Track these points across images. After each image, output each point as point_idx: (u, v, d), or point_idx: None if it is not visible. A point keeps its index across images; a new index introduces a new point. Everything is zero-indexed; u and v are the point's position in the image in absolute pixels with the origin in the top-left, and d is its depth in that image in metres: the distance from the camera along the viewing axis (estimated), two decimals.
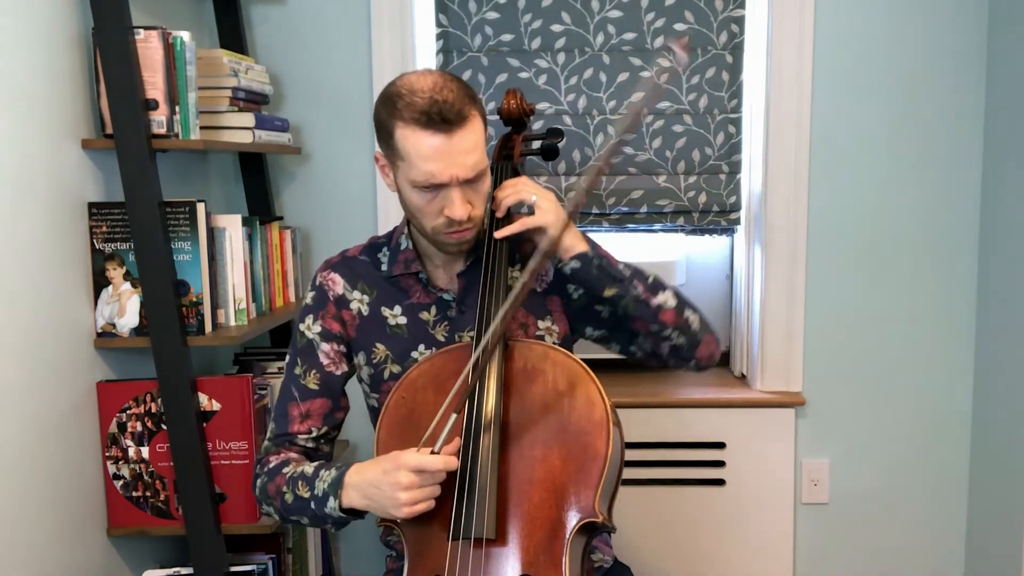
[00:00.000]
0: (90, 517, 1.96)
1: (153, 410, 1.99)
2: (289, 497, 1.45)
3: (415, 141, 1.37)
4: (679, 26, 2.52)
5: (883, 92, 2.50)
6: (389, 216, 2.53)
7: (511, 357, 1.43)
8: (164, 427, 1.97)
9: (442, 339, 1.55)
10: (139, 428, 1.99)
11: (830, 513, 2.64)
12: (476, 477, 1.34)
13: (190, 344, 1.93)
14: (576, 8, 2.53)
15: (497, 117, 1.75)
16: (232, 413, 1.99)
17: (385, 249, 1.59)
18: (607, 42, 2.54)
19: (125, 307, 1.96)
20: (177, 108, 1.93)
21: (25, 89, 1.74)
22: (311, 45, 2.54)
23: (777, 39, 2.46)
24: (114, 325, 1.96)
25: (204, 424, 1.97)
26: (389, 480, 1.31)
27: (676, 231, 2.65)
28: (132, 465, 2.00)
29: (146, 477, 2.00)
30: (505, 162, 1.65)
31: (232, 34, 2.45)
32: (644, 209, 2.58)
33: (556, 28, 2.54)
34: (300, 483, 1.44)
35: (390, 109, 1.39)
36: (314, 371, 1.54)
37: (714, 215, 2.59)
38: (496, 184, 1.56)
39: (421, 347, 1.55)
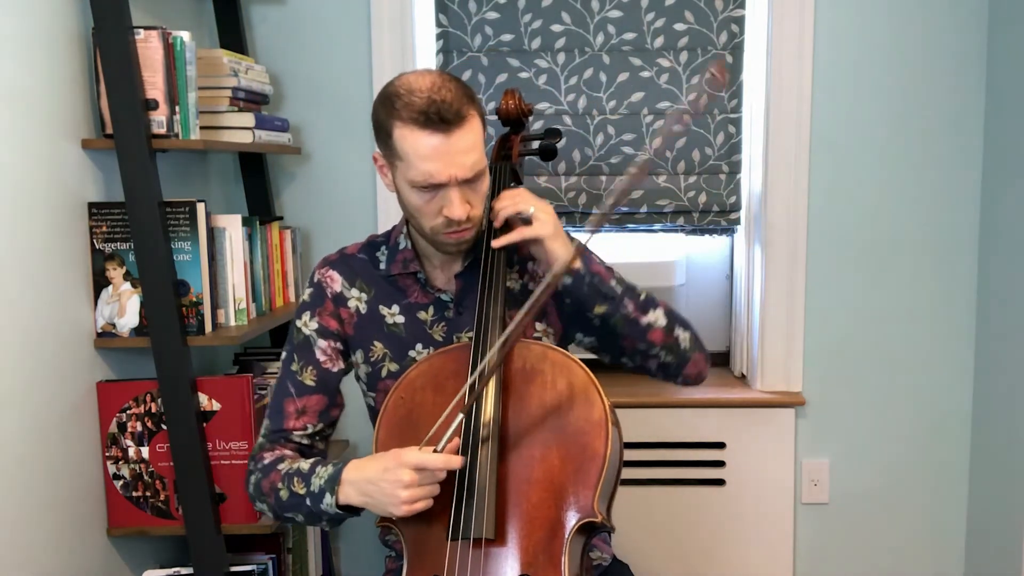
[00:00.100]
0: (90, 517, 1.96)
1: (153, 410, 1.99)
2: (284, 494, 1.44)
3: (413, 141, 1.37)
4: (679, 26, 2.52)
5: (883, 92, 2.50)
6: (389, 216, 2.53)
7: (510, 357, 1.43)
8: (164, 427, 1.97)
9: (440, 339, 1.55)
10: (139, 428, 1.99)
11: (830, 513, 2.64)
12: (475, 477, 1.34)
13: (190, 344, 1.93)
14: (576, 8, 2.53)
15: (495, 117, 1.75)
16: (232, 413, 1.99)
17: (384, 248, 1.59)
18: (607, 42, 2.54)
19: (125, 307, 1.96)
20: (177, 108, 1.93)
21: (25, 89, 1.74)
22: (311, 45, 2.54)
23: (777, 39, 2.47)
24: (114, 325, 1.96)
25: (204, 424, 1.97)
26: (389, 478, 1.31)
27: (676, 231, 2.65)
28: (132, 465, 2.00)
29: (146, 477, 2.00)
30: (503, 162, 1.65)
31: (232, 34, 2.45)
32: (644, 209, 2.58)
33: (556, 28, 2.54)
34: (296, 479, 1.43)
35: (388, 109, 1.39)
36: (311, 367, 1.54)
37: (714, 215, 2.59)
38: (494, 184, 1.56)
39: (419, 346, 1.55)
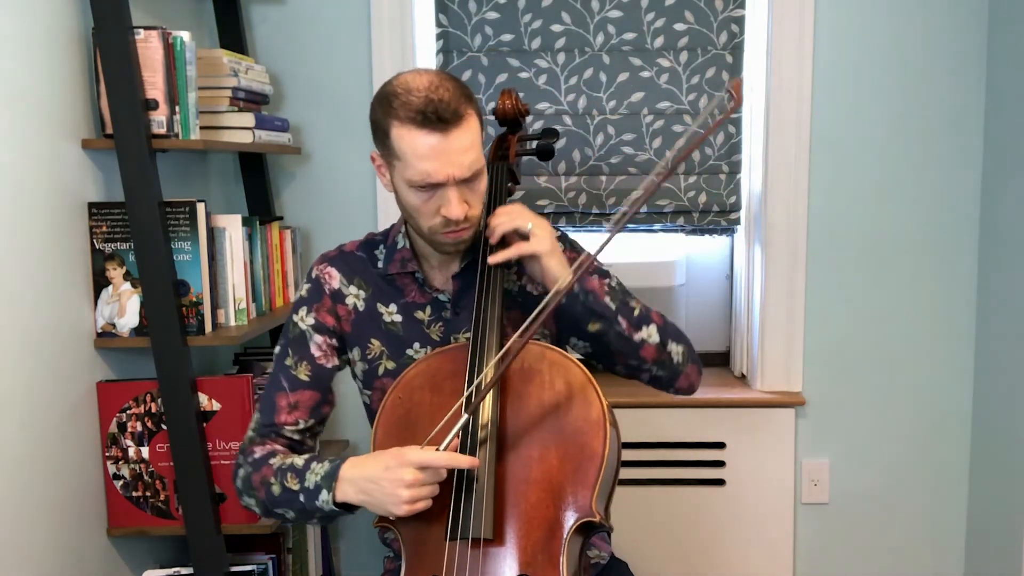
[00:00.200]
0: (90, 517, 1.96)
1: (153, 410, 1.99)
2: (276, 489, 1.43)
3: (411, 140, 1.36)
4: (679, 26, 2.52)
5: (883, 92, 2.50)
6: (389, 216, 2.53)
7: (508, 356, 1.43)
8: (164, 427, 1.97)
9: (437, 339, 1.55)
10: (139, 428, 1.99)
11: (830, 513, 2.64)
12: (473, 477, 1.34)
13: (190, 344, 1.93)
14: (576, 8, 2.53)
15: (492, 117, 1.75)
16: (232, 413, 1.99)
17: (382, 247, 1.59)
18: (607, 42, 2.54)
19: (125, 307, 1.96)
20: (177, 108, 1.93)
21: (25, 89, 1.74)
22: (311, 45, 2.54)
23: (777, 39, 2.47)
24: (114, 325, 1.96)
25: (204, 424, 1.97)
26: (391, 476, 1.30)
27: (676, 231, 2.65)
28: (132, 465, 2.00)
29: (146, 477, 2.00)
30: (501, 162, 1.65)
31: (232, 34, 2.45)
32: (644, 209, 2.58)
33: (556, 28, 2.54)
34: (289, 475, 1.42)
35: (386, 108, 1.39)
36: (305, 362, 1.53)
37: (714, 215, 2.59)
38: (492, 184, 1.55)
39: (416, 345, 1.55)
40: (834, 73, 2.49)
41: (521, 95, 2.51)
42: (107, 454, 1.99)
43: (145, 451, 2.00)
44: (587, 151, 2.57)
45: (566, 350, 1.51)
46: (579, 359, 1.44)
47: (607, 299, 1.49)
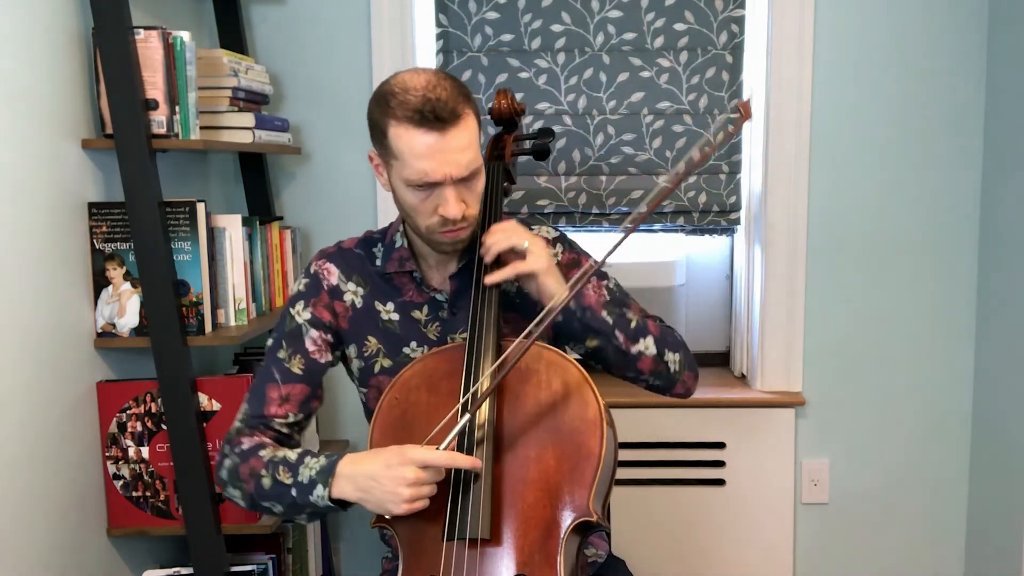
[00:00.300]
0: (90, 517, 1.96)
1: (153, 410, 1.99)
2: (267, 481, 1.41)
3: (408, 139, 1.36)
4: (679, 26, 2.52)
5: (883, 92, 2.50)
6: (389, 216, 2.53)
7: (505, 357, 1.43)
8: (164, 427, 1.97)
9: (434, 338, 1.55)
10: (139, 428, 1.99)
11: (830, 513, 2.64)
12: (470, 477, 1.34)
13: (190, 344, 1.93)
14: (576, 8, 2.53)
15: (488, 117, 1.75)
16: (232, 413, 1.96)
17: (380, 245, 1.59)
18: (607, 42, 2.54)
19: (125, 307, 1.96)
20: (177, 108, 1.93)
21: (25, 89, 1.74)
22: (311, 45, 2.54)
23: (777, 39, 2.47)
24: (114, 325, 1.96)
25: (204, 424, 1.97)
26: (392, 474, 1.30)
27: (676, 231, 2.65)
28: (132, 465, 2.00)
29: (146, 477, 2.00)
30: (496, 162, 1.65)
31: (232, 34, 2.45)
32: (644, 209, 2.57)
33: (556, 28, 2.54)
34: (282, 468, 1.41)
35: (383, 108, 1.39)
36: (299, 356, 1.52)
37: (714, 215, 2.59)
38: (488, 184, 1.54)
39: (413, 343, 1.55)
40: (834, 73, 2.49)
41: (520, 95, 2.54)
42: (107, 454, 2.00)
43: (145, 451, 2.00)
44: (587, 151, 2.57)
45: (564, 350, 1.51)
46: (576, 359, 1.44)
47: (604, 313, 1.49)
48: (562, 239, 1.62)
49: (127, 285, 1.96)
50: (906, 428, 2.61)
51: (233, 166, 2.58)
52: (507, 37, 2.55)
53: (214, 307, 2.04)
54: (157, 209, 1.87)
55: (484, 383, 1.38)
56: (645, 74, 2.55)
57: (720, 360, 2.81)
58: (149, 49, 1.89)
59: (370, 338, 1.55)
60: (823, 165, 2.52)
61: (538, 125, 2.54)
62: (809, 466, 2.62)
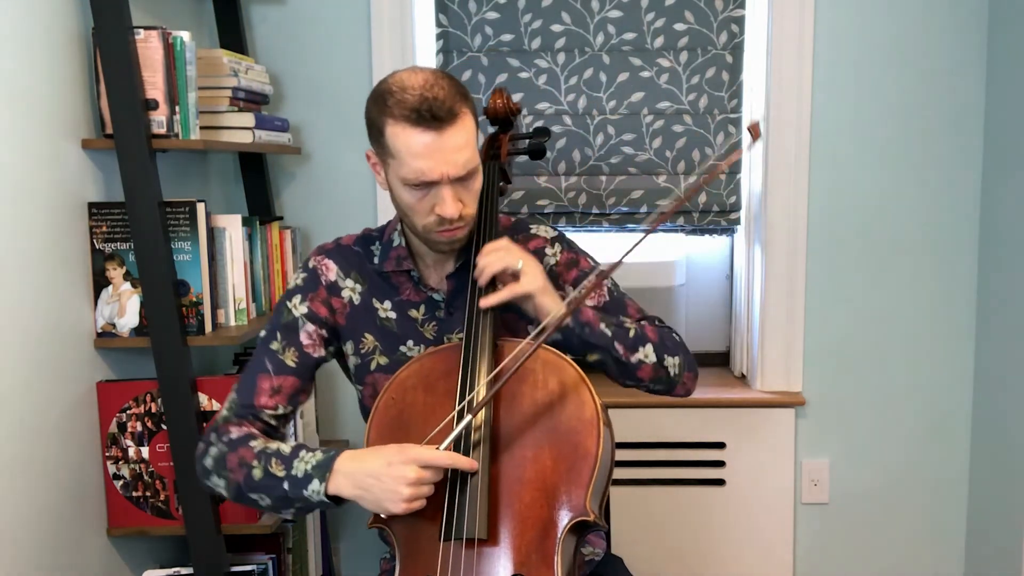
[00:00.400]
0: (90, 517, 1.96)
1: (153, 410, 1.99)
2: (257, 473, 1.39)
3: (405, 139, 1.36)
4: (679, 26, 2.52)
5: (883, 92, 2.50)
6: (388, 216, 2.51)
7: (501, 357, 1.43)
8: (164, 427, 1.97)
9: (431, 337, 1.54)
10: (139, 428, 1.99)
11: (830, 513, 2.64)
12: (467, 477, 1.34)
13: (190, 344, 1.93)
14: (576, 8, 2.53)
15: (484, 117, 1.75)
16: None
17: (378, 243, 1.59)
18: (607, 42, 2.54)
19: (125, 307, 1.96)
20: (177, 108, 1.93)
21: (25, 89, 1.74)
22: (311, 45, 2.54)
23: (777, 39, 2.47)
24: (114, 325, 1.96)
25: (204, 424, 1.97)
26: (393, 473, 1.29)
27: (676, 231, 2.65)
28: (132, 465, 2.00)
29: (146, 477, 2.00)
30: (492, 162, 1.65)
31: (232, 34, 2.45)
32: (644, 209, 2.58)
33: (556, 28, 2.54)
34: (274, 460, 1.39)
35: (380, 106, 1.38)
36: (293, 349, 1.52)
37: (714, 215, 2.59)
38: (483, 183, 1.54)
39: (410, 342, 1.54)
40: (834, 73, 2.49)
41: (520, 95, 2.54)
42: (107, 454, 2.00)
43: (145, 451, 2.00)
44: (587, 151, 2.57)
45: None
46: (574, 359, 1.43)
47: (602, 326, 1.48)
48: (560, 239, 1.62)
49: (127, 285, 1.96)
50: (906, 428, 2.61)
51: (233, 166, 2.58)
52: (507, 37, 2.55)
53: (214, 307, 2.04)
54: (157, 209, 1.87)
55: (480, 392, 1.38)
56: (645, 74, 2.55)
57: (720, 360, 2.81)
58: (149, 49, 1.89)
59: (367, 335, 1.55)
60: (823, 165, 2.52)
61: (539, 125, 2.54)
62: (809, 466, 2.62)
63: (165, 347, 1.90)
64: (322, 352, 1.55)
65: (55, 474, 1.83)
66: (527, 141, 1.72)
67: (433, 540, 1.34)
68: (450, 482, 1.34)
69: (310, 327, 1.53)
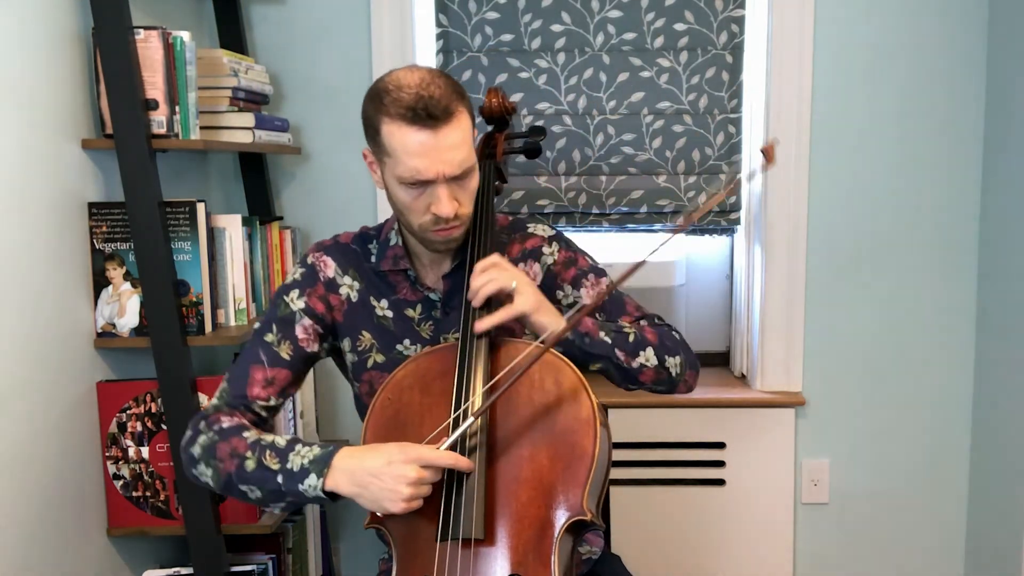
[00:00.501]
0: (90, 517, 1.96)
1: (153, 410, 1.99)
2: (251, 464, 1.37)
3: (401, 137, 1.36)
4: (679, 26, 2.52)
5: (883, 92, 2.50)
6: (388, 216, 2.52)
7: (496, 357, 1.43)
8: (164, 427, 1.97)
9: (427, 337, 1.54)
10: (139, 428, 1.99)
11: (830, 513, 2.64)
12: (464, 477, 1.34)
13: (190, 344, 1.93)
14: (576, 8, 2.53)
15: (480, 117, 1.74)
16: None
17: (375, 242, 1.59)
18: (607, 42, 2.54)
19: (125, 307, 1.96)
20: (177, 108, 1.93)
21: (25, 89, 1.74)
22: (311, 45, 2.54)
23: (777, 39, 2.47)
24: (114, 325, 1.96)
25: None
26: (395, 472, 1.29)
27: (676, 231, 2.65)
28: (132, 465, 2.00)
29: (146, 477, 2.00)
30: (488, 161, 1.65)
31: (232, 34, 2.45)
32: (644, 209, 2.58)
33: (556, 28, 2.54)
34: (269, 452, 1.38)
35: (377, 105, 1.38)
36: (288, 342, 1.51)
37: (714, 215, 2.59)
38: (480, 182, 1.54)
39: (407, 341, 1.54)
40: (834, 73, 2.49)
41: (520, 95, 2.54)
42: (107, 454, 2.00)
43: (145, 451, 2.00)
44: (587, 151, 2.57)
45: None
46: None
47: (602, 335, 1.48)
48: (558, 237, 1.62)
49: (127, 285, 1.96)
50: (906, 428, 2.61)
51: (233, 166, 2.58)
52: (507, 37, 2.55)
53: (214, 307, 2.04)
54: (157, 209, 1.87)
55: (477, 393, 1.38)
56: (645, 74, 2.55)
57: (720, 360, 2.81)
58: (149, 49, 1.89)
59: (364, 333, 1.55)
60: (823, 165, 2.52)
61: (534, 124, 2.54)
62: (809, 466, 2.62)
63: (165, 347, 1.90)
64: (315, 347, 1.54)
65: (55, 474, 1.83)
66: (523, 140, 1.72)
67: (430, 540, 1.33)
68: (447, 482, 1.34)
69: (306, 322, 1.53)
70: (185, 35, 1.95)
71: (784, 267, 2.54)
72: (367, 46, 2.52)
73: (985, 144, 2.50)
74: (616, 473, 2.55)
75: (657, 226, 2.61)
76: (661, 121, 2.56)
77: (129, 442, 1.99)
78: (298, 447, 1.38)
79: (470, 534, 1.31)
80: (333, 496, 1.35)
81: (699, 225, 2.60)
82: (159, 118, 1.90)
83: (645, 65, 2.55)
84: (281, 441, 1.40)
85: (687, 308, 2.78)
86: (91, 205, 1.94)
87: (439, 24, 2.55)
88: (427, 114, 1.34)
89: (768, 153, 1.38)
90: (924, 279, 2.56)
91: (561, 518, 1.33)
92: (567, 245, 1.61)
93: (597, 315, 1.57)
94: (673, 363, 1.54)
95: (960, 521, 2.63)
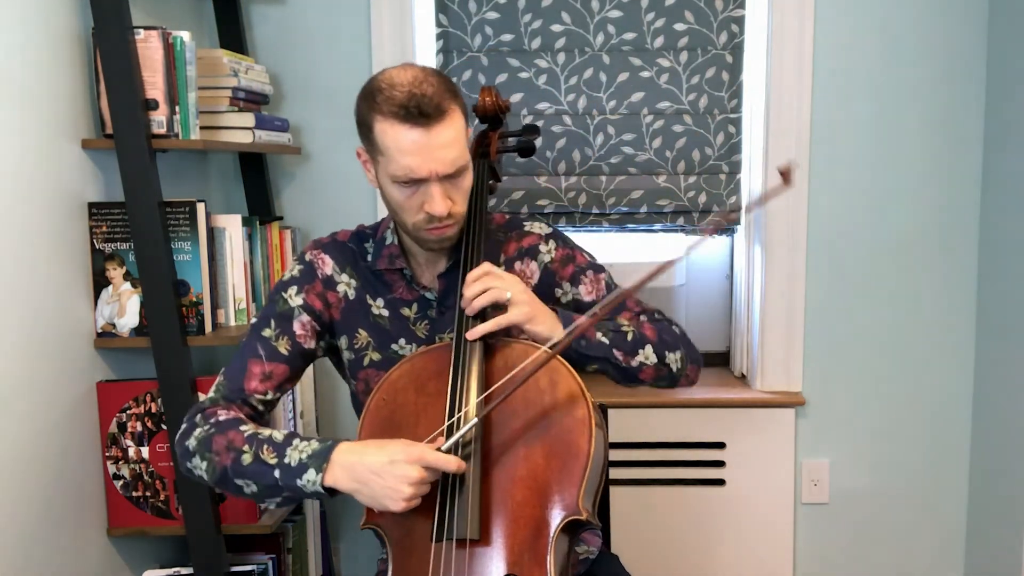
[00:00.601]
0: (90, 517, 1.96)
1: (153, 410, 1.99)
2: (247, 458, 1.37)
3: (394, 135, 1.36)
4: (679, 26, 2.52)
5: (883, 92, 2.50)
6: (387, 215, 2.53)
7: (492, 357, 1.43)
8: (164, 427, 1.97)
9: (423, 336, 1.54)
10: (139, 428, 1.99)
11: (830, 513, 2.64)
12: (459, 477, 1.33)
13: (190, 344, 1.93)
14: (576, 8, 2.53)
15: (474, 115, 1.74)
16: None
17: (371, 241, 1.59)
18: (607, 42, 2.54)
19: (125, 307, 1.96)
20: (177, 108, 1.93)
21: (25, 89, 1.74)
22: (311, 45, 2.54)
23: (777, 39, 2.47)
24: (114, 325, 1.96)
25: None
26: (397, 472, 1.28)
27: (676, 231, 2.65)
28: (132, 465, 2.00)
29: (146, 477, 2.00)
30: (482, 159, 1.65)
31: (232, 34, 2.45)
32: (644, 209, 2.58)
33: (556, 28, 2.54)
34: (266, 446, 1.37)
35: (370, 103, 1.38)
36: (286, 337, 1.51)
37: (714, 215, 2.59)
38: (473, 180, 1.53)
39: (402, 340, 1.54)
40: (834, 73, 2.49)
41: (521, 95, 2.54)
42: (107, 454, 2.00)
43: (145, 451, 2.00)
44: (587, 151, 2.57)
45: None
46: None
47: (599, 336, 1.48)
48: (555, 235, 1.61)
49: (127, 285, 1.96)
50: (906, 428, 2.61)
51: (233, 166, 2.58)
52: (507, 37, 2.55)
53: (214, 307, 2.04)
54: (157, 209, 1.87)
55: (472, 403, 1.37)
56: (645, 74, 2.55)
57: (720, 360, 2.81)
58: (149, 49, 1.89)
59: (360, 331, 1.55)
60: (823, 165, 2.52)
61: (538, 125, 2.54)
62: (809, 466, 2.62)
63: (165, 347, 1.90)
64: (312, 344, 1.54)
65: (55, 474, 1.83)
66: (517, 139, 1.72)
67: (425, 540, 1.34)
68: (442, 482, 1.34)
69: (305, 318, 1.53)
70: (185, 35, 1.95)
71: (784, 267, 2.54)
72: (367, 46, 2.52)
73: (985, 144, 2.50)
74: (616, 473, 2.55)
75: (657, 226, 2.61)
76: (661, 121, 2.56)
77: (129, 442, 1.99)
78: (296, 441, 1.38)
79: (465, 534, 1.31)
80: (331, 492, 1.35)
81: (699, 225, 2.60)
82: (159, 118, 1.90)
83: (645, 65, 2.55)
84: (279, 435, 1.39)
85: (687, 308, 2.78)
86: (91, 205, 1.94)
87: (439, 24, 2.55)
88: (419, 112, 1.34)
89: (786, 175, 1.38)
90: (924, 279, 2.56)
91: (556, 517, 1.33)
92: (564, 242, 1.61)
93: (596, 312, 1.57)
94: (674, 359, 1.54)
95: (960, 521, 2.63)
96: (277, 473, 1.36)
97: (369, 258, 1.57)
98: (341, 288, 1.56)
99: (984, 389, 2.54)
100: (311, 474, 1.33)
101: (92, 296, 1.95)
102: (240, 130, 2.16)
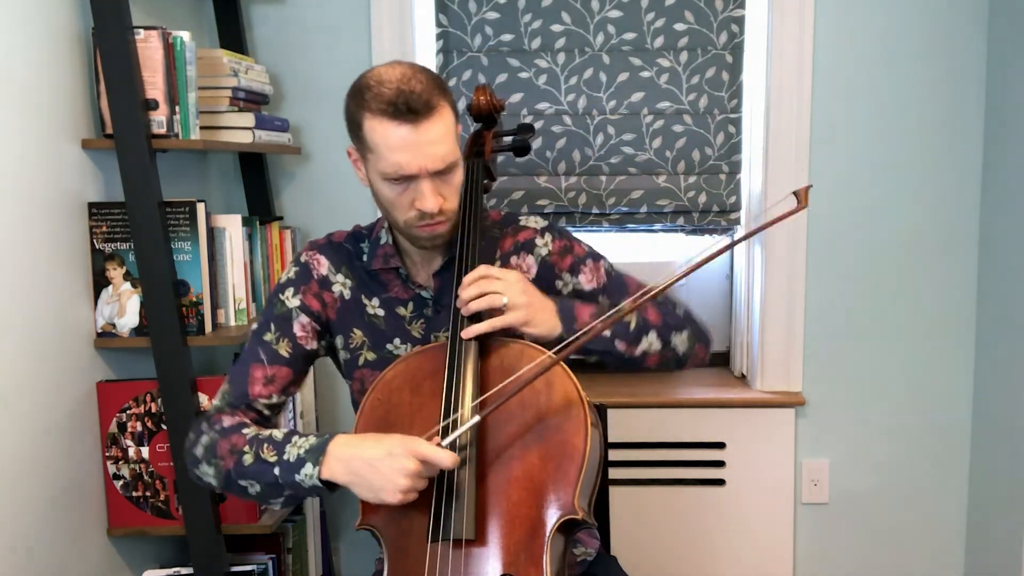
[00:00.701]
0: (90, 517, 1.96)
1: (153, 410, 1.99)
2: (248, 459, 1.38)
3: (383, 132, 1.36)
4: (679, 26, 2.52)
5: (883, 92, 2.50)
6: None
7: (487, 356, 1.43)
8: (164, 427, 1.97)
9: (418, 335, 1.54)
10: (139, 428, 1.99)
11: (830, 513, 2.64)
12: (455, 477, 1.33)
13: (190, 344, 1.93)
14: (576, 8, 2.53)
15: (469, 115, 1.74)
16: None
17: (367, 241, 1.59)
18: (607, 42, 2.54)
19: (125, 307, 1.96)
20: (177, 108, 1.93)
21: (25, 89, 1.74)
22: (311, 45, 2.54)
23: (777, 39, 2.46)
24: (114, 325, 1.96)
25: None
26: (394, 464, 1.28)
27: (676, 231, 2.65)
28: (132, 465, 2.00)
29: (146, 477, 2.01)
30: (476, 159, 1.64)
31: (232, 34, 2.45)
32: (644, 209, 2.58)
33: (556, 28, 2.54)
34: (266, 445, 1.38)
35: (358, 101, 1.38)
36: (286, 340, 1.52)
37: (714, 215, 2.59)
38: (468, 181, 1.53)
39: (397, 340, 1.54)
40: (834, 73, 2.49)
41: (521, 95, 2.54)
42: (107, 454, 2.00)
43: (145, 451, 2.00)
44: (587, 151, 2.57)
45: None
46: (558, 353, 1.42)
47: (600, 327, 1.48)
48: (551, 228, 1.61)
49: (127, 285, 1.96)
50: (906, 428, 2.61)
51: (233, 166, 2.58)
52: (507, 37, 2.55)
53: (214, 307, 2.04)
54: (157, 209, 1.87)
55: (467, 402, 1.37)
56: (645, 74, 2.55)
57: (720, 360, 2.81)
58: (149, 49, 1.89)
59: (356, 330, 1.55)
60: (823, 165, 2.52)
61: (538, 125, 2.54)
62: (809, 466, 2.62)
63: (165, 347, 1.90)
64: (314, 345, 1.55)
65: (55, 474, 1.83)
66: (511, 137, 1.72)
67: (421, 541, 1.33)
68: (438, 482, 1.34)
69: (303, 319, 1.53)
70: (185, 35, 1.95)
71: (784, 267, 2.54)
72: (367, 46, 2.52)
73: (985, 144, 2.50)
74: (616, 473, 2.55)
75: (657, 226, 2.61)
76: (661, 121, 2.56)
77: (129, 442, 1.99)
78: (295, 438, 1.38)
79: (461, 535, 1.31)
80: (330, 486, 1.35)
81: (699, 225, 2.60)
82: (159, 118, 1.90)
83: (645, 65, 2.55)
84: (278, 434, 1.40)
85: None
86: (91, 205, 1.94)
87: (439, 24, 2.55)
88: (408, 108, 1.34)
89: (801, 197, 1.38)
90: (924, 279, 2.56)
91: (552, 517, 1.33)
92: (560, 234, 1.61)
93: (600, 298, 1.57)
94: (679, 341, 1.53)
95: (960, 521, 2.63)
96: (277, 470, 1.36)
97: (364, 258, 1.57)
98: (336, 288, 1.56)
99: (984, 389, 2.54)
100: (308, 468, 1.34)
101: (92, 296, 1.96)
102: (240, 130, 2.16)
